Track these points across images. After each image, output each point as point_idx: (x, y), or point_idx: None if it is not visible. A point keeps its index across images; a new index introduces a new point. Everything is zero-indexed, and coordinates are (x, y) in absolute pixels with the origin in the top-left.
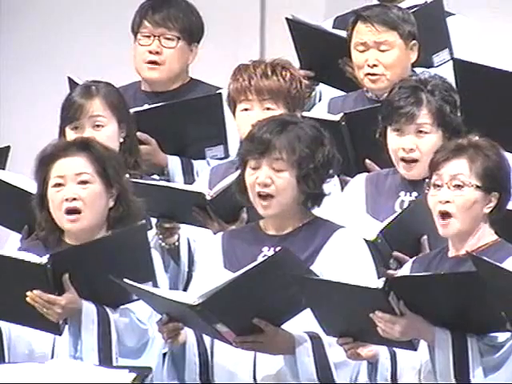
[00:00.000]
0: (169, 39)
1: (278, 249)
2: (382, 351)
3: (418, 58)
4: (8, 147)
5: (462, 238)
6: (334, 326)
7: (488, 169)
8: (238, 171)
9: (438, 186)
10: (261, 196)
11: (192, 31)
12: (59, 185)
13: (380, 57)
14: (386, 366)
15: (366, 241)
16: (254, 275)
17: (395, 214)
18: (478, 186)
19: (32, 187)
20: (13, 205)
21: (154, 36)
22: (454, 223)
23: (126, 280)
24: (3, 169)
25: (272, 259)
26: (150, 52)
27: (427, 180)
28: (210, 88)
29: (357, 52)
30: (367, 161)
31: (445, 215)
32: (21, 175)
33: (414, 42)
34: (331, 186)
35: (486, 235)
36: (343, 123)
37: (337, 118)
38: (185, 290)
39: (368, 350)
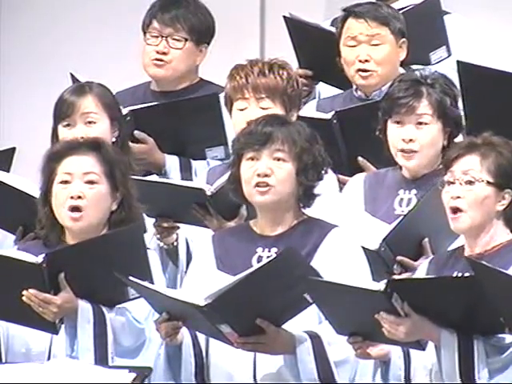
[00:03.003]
0: (176, 40)
1: (282, 248)
2: (395, 350)
3: (407, 57)
4: (13, 148)
5: (474, 234)
6: (342, 326)
7: (501, 165)
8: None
9: (451, 182)
10: (259, 186)
11: (201, 32)
12: (66, 182)
13: (371, 52)
14: (399, 365)
15: (369, 250)
16: (261, 275)
17: (396, 222)
18: (489, 182)
19: (31, 189)
20: (9, 206)
21: (162, 36)
22: (465, 218)
23: (130, 277)
24: (8, 170)
25: (278, 259)
26: (158, 52)
27: (441, 179)
28: (218, 88)
29: (347, 48)
30: (360, 158)
31: (456, 210)
32: (18, 176)
33: (404, 39)
34: (329, 185)
35: (500, 234)
36: (335, 121)
37: (328, 116)
38: None
39: (379, 349)
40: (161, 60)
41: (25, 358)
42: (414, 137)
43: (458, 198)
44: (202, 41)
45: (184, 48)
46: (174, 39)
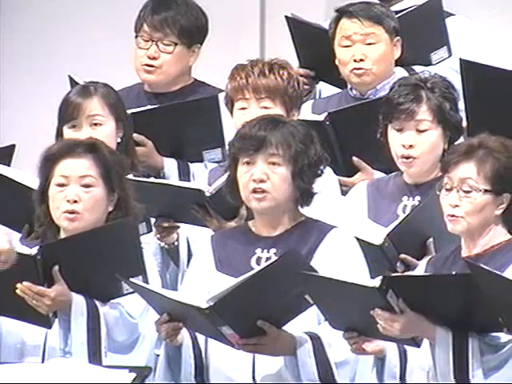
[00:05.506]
0: (166, 44)
1: (281, 249)
2: (390, 348)
3: (407, 57)
4: (13, 145)
5: (471, 237)
6: (338, 321)
7: (497, 171)
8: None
9: (449, 189)
10: (256, 192)
11: (192, 34)
12: (62, 185)
13: (366, 51)
14: (394, 362)
15: (373, 245)
16: (262, 277)
17: (401, 218)
18: (486, 190)
19: (34, 183)
20: (14, 202)
21: (152, 41)
22: (461, 221)
23: (132, 279)
24: (8, 166)
25: (280, 261)
26: (148, 57)
27: (439, 182)
28: (213, 90)
29: (342, 48)
30: (355, 158)
31: (454, 216)
32: (22, 171)
33: (398, 38)
34: (328, 182)
35: (498, 235)
36: (328, 123)
37: (321, 117)
38: None
39: (374, 345)
40: (151, 66)
41: (20, 353)
42: (414, 143)
43: (456, 206)
44: (193, 42)
45: (174, 52)
46: (163, 44)
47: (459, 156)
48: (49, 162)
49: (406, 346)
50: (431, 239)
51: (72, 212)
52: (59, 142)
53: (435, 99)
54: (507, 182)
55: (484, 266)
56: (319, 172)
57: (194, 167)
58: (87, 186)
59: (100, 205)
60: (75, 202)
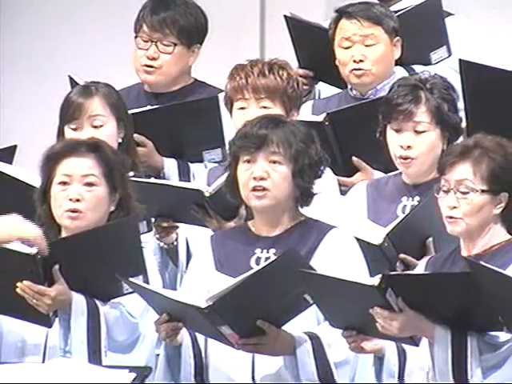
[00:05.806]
0: (166, 45)
1: (280, 250)
2: (389, 346)
3: (407, 56)
4: (15, 146)
5: (471, 237)
6: (337, 319)
7: (494, 171)
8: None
9: (446, 190)
10: (256, 190)
11: (191, 34)
12: (64, 183)
13: (366, 52)
14: (393, 361)
15: (373, 245)
16: (262, 277)
17: (400, 217)
18: (483, 190)
19: (36, 181)
20: (15, 200)
21: (152, 41)
22: (460, 223)
23: (131, 279)
24: None
25: (279, 260)
26: (148, 57)
27: (436, 184)
28: (213, 90)
29: (341, 49)
30: (354, 158)
31: (452, 218)
32: (24, 169)
33: (398, 38)
34: (328, 183)
35: (498, 235)
36: (327, 123)
37: (320, 118)
38: None
39: (373, 343)
40: (151, 66)
41: (20, 352)
42: (412, 144)
43: (454, 208)
44: (193, 42)
45: (174, 52)
46: (163, 44)
47: (455, 157)
48: (51, 161)
49: (405, 346)
50: (431, 239)
51: (74, 211)
52: (61, 141)
53: (434, 100)
54: (504, 181)
55: (485, 264)
56: (319, 172)
57: (194, 167)
58: (90, 184)
59: (102, 204)
60: (78, 200)
